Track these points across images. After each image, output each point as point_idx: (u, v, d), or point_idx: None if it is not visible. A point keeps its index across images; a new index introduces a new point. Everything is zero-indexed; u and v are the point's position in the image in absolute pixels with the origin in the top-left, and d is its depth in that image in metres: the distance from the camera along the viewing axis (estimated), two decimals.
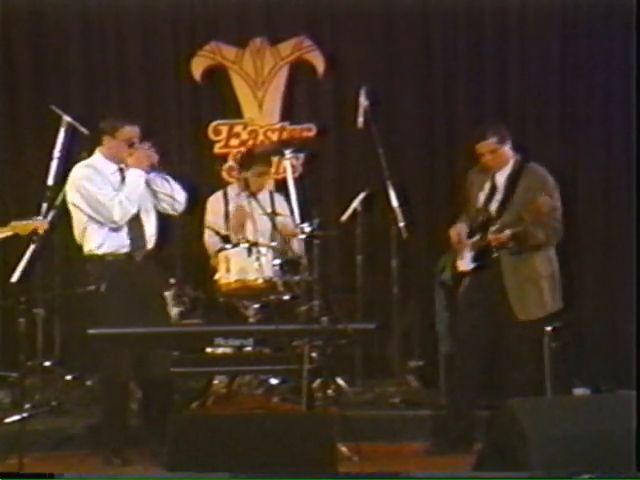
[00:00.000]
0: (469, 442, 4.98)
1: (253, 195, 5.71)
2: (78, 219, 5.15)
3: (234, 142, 6.64)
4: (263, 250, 5.82)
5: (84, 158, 5.28)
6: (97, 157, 5.18)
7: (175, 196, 5.17)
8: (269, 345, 5.07)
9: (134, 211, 5.07)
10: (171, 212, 5.28)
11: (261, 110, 6.73)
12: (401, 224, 5.68)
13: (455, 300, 5.34)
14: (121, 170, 5.13)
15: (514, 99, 6.47)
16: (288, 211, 5.94)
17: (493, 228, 5.05)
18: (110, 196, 5.03)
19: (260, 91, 6.73)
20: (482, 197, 5.19)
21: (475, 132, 5.23)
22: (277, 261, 5.86)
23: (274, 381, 5.67)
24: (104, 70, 6.81)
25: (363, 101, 5.84)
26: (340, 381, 5.80)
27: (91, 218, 5.08)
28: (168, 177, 5.18)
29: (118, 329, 4.97)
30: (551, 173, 5.24)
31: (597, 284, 6.35)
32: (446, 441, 5.11)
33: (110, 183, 5.09)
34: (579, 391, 5.71)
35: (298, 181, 6.14)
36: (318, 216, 5.85)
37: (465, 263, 5.18)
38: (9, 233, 5.11)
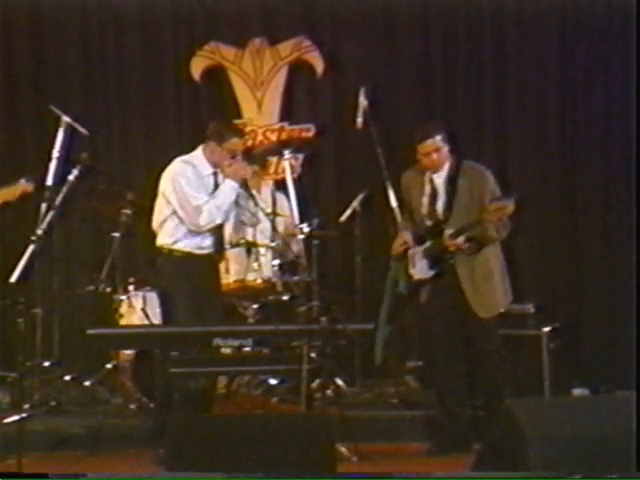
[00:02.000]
0: (468, 442, 4.96)
1: (252, 196, 5.71)
2: (161, 209, 5.17)
3: None
4: (262, 250, 5.84)
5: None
6: (198, 156, 5.21)
7: (258, 213, 5.39)
8: (268, 345, 5.02)
9: (220, 221, 5.15)
10: (249, 225, 5.48)
11: (260, 110, 6.77)
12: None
13: (405, 310, 5.39)
14: (215, 174, 5.17)
15: (514, 99, 6.50)
16: (288, 211, 5.93)
17: (448, 232, 4.96)
18: (202, 201, 5.07)
19: (259, 91, 6.77)
20: (425, 200, 5.11)
21: (418, 132, 5.12)
22: (276, 261, 5.88)
23: (273, 381, 5.68)
24: (103, 70, 6.83)
25: (362, 101, 5.83)
26: (339, 381, 5.81)
27: (175, 213, 5.10)
28: (254, 193, 5.36)
29: (117, 329, 4.96)
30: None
31: (596, 284, 6.36)
32: (445, 441, 5.10)
33: (204, 185, 5.13)
34: (578, 392, 5.71)
35: (297, 181, 6.10)
36: (317, 216, 5.86)
37: (421, 271, 5.11)
38: None
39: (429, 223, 5.13)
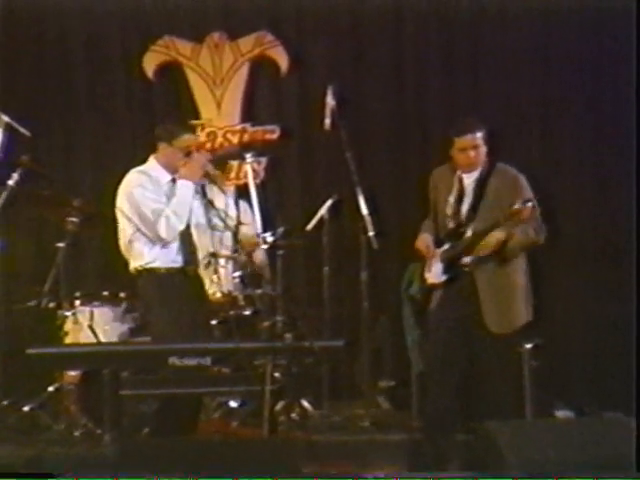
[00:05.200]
0: (444, 466, 4.93)
1: (211, 202, 5.68)
2: (124, 229, 5.13)
3: None
4: (222, 261, 5.80)
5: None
6: (152, 164, 5.17)
7: (228, 211, 5.24)
8: (228, 364, 4.99)
9: (182, 227, 5.06)
10: (222, 228, 5.32)
11: (220, 110, 6.78)
12: (371, 233, 5.61)
13: (425, 316, 5.32)
14: (174, 181, 5.12)
15: (491, 97, 6.50)
16: (251, 219, 5.95)
17: (467, 235, 5.02)
18: (158, 211, 5.01)
19: (219, 90, 6.77)
20: (451, 201, 5.14)
21: (457, 124, 5.14)
22: (237, 273, 5.87)
23: (233, 403, 5.66)
24: (46, 65, 6.81)
25: (330, 101, 5.81)
26: (305, 403, 5.79)
27: (139, 230, 5.07)
28: (225, 189, 5.28)
29: (60, 348, 4.92)
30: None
31: (581, 297, 6.37)
32: (419, 466, 5.09)
33: (164, 194, 5.07)
34: (562, 414, 5.71)
35: (260, 187, 6.16)
36: (282, 225, 5.88)
37: (435, 275, 5.16)
38: None
39: (451, 225, 5.13)
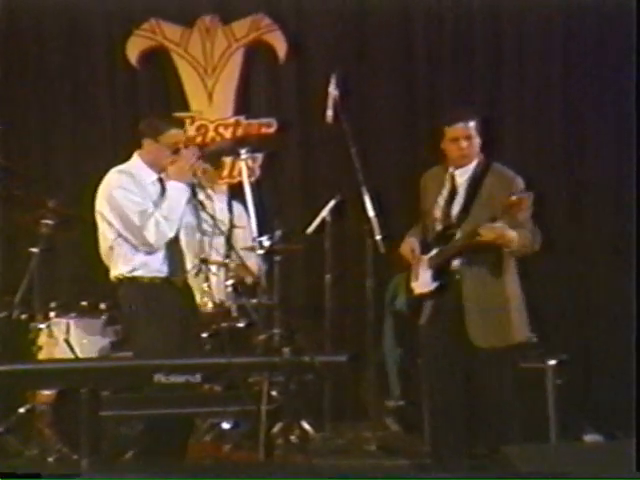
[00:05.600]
0: None
1: (201, 203, 5.62)
2: (104, 235, 5.09)
3: None
4: (214, 268, 5.80)
5: None
6: (135, 162, 5.12)
7: (220, 213, 5.23)
8: (220, 382, 5.03)
9: (172, 234, 5.03)
10: (213, 232, 5.31)
11: (211, 102, 6.78)
12: (378, 237, 5.62)
13: (411, 332, 5.29)
14: (161, 180, 5.09)
15: (508, 91, 6.56)
16: (245, 222, 5.91)
17: (457, 236, 5.01)
18: (145, 214, 4.96)
19: (210, 79, 6.77)
20: (441, 201, 5.15)
21: (449, 113, 5.15)
22: (230, 281, 5.86)
23: (226, 425, 5.63)
24: (19, 53, 6.83)
25: (333, 91, 5.82)
26: (305, 425, 5.75)
27: (121, 236, 5.03)
28: (211, 193, 5.24)
29: (33, 364, 4.93)
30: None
31: (610, 309, 6.29)
32: None
33: (149, 195, 5.04)
34: (590, 438, 5.70)
35: (256, 186, 6.12)
36: (280, 228, 5.86)
37: (423, 284, 5.12)
38: None
39: (439, 227, 5.12)
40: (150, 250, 5.02)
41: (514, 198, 4.84)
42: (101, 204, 5.07)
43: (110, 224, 5.03)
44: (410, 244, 5.20)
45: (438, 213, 5.13)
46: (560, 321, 6.24)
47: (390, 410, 6.13)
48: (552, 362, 5.51)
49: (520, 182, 5.08)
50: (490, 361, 4.99)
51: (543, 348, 5.62)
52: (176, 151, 5.04)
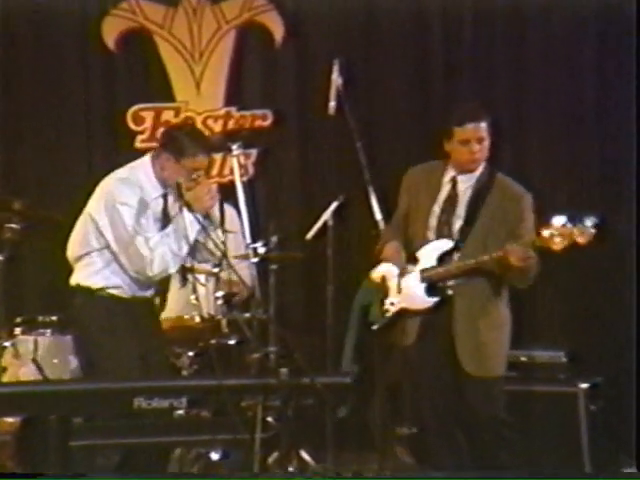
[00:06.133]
0: None
1: (188, 204, 5.60)
2: (86, 237, 5.08)
3: None
4: (202, 278, 5.80)
5: None
6: (144, 172, 5.10)
7: (215, 251, 5.21)
8: (208, 407, 4.98)
9: (174, 270, 5.08)
10: (207, 267, 5.53)
11: (199, 91, 6.77)
12: None
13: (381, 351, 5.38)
14: (165, 197, 5.09)
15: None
16: (237, 226, 5.90)
17: (456, 257, 5.01)
18: (153, 245, 4.97)
19: (197, 65, 6.76)
20: (437, 208, 5.12)
21: (458, 111, 5.16)
22: (220, 293, 5.86)
23: (215, 455, 5.58)
24: None
25: (336, 78, 5.83)
26: (305, 454, 5.75)
27: (108, 248, 5.03)
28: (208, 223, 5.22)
29: None
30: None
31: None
32: None
33: (153, 214, 5.06)
34: (630, 471, 5.67)
35: (249, 186, 6.14)
36: (276, 233, 5.83)
37: (411, 299, 5.11)
38: None
39: (433, 238, 5.09)
40: (144, 281, 5.06)
41: (547, 234, 4.78)
42: (97, 210, 5.05)
43: (101, 234, 5.04)
44: (394, 249, 5.16)
45: (433, 222, 5.10)
46: (593, 339, 6.22)
47: (400, 437, 6.11)
48: (584, 385, 5.51)
49: (529, 199, 5.08)
50: (481, 387, 5.03)
51: (574, 370, 5.69)
52: (196, 178, 5.05)
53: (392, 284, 5.15)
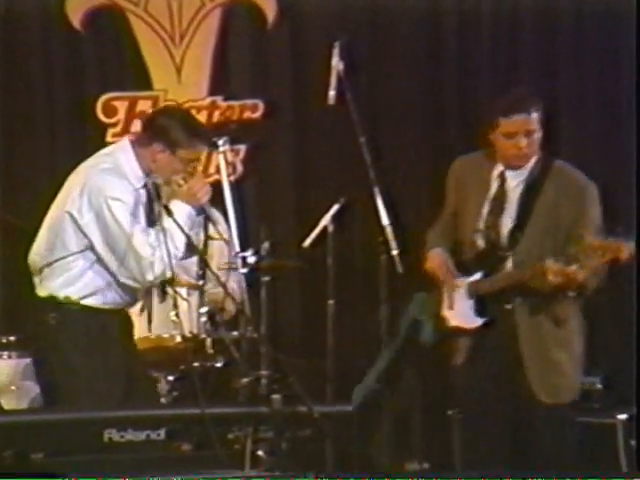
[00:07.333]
0: None
1: (167, 208, 5.57)
2: (64, 241, 5.01)
3: (138, 126, 6.42)
4: (184, 293, 5.83)
5: None
6: (127, 161, 5.05)
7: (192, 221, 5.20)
8: (191, 438, 4.81)
9: (170, 274, 5.03)
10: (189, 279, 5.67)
11: (180, 78, 6.81)
12: (394, 252, 5.64)
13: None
14: (146, 187, 5.06)
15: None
16: (224, 232, 5.82)
17: (509, 265, 5.02)
18: (152, 247, 4.95)
19: (178, 48, 6.81)
20: (485, 209, 5.12)
21: (503, 101, 5.12)
22: (204, 308, 5.88)
23: None
24: None
25: (336, 64, 5.84)
26: None
27: (92, 250, 4.98)
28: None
29: None
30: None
31: None
32: None
33: (142, 213, 5.06)
34: None
35: (237, 186, 6.18)
36: (268, 239, 5.86)
37: (462, 315, 5.14)
38: None
39: (482, 244, 5.08)
40: (140, 286, 5.05)
41: (598, 243, 4.78)
42: (79, 208, 4.97)
43: (85, 235, 4.97)
44: (440, 258, 5.15)
45: (481, 224, 5.08)
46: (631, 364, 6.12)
47: (410, 473, 5.97)
48: (623, 416, 5.53)
49: (594, 190, 5.05)
50: (550, 418, 5.01)
51: (611, 398, 5.74)
52: (191, 170, 5.05)
53: (445, 297, 5.17)
